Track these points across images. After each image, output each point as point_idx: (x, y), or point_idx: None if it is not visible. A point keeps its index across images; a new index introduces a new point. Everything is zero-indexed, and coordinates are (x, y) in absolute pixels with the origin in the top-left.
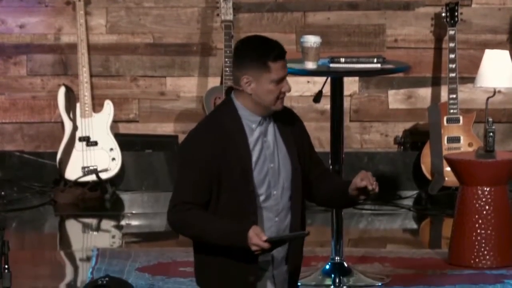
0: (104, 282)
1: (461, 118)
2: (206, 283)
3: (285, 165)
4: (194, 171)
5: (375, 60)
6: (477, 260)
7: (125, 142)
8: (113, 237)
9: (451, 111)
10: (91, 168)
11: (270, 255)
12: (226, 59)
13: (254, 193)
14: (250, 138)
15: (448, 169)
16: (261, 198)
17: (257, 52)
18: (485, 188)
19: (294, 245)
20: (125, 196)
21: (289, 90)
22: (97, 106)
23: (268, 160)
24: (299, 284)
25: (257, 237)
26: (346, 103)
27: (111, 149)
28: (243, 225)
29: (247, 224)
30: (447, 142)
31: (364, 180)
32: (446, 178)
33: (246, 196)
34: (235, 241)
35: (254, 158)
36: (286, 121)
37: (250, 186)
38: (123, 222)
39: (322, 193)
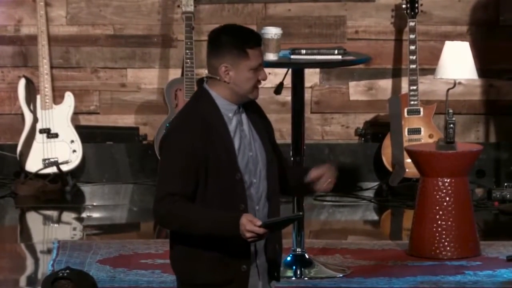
0: (65, 274)
1: (421, 109)
2: (192, 276)
3: (261, 154)
4: (180, 160)
5: (336, 52)
6: (437, 251)
7: (86, 134)
8: (74, 229)
9: (412, 102)
10: (51, 160)
11: (253, 244)
12: (187, 51)
13: (242, 181)
14: (230, 126)
15: (409, 160)
16: (245, 186)
17: (235, 39)
18: (446, 180)
19: (271, 234)
20: (86, 188)
21: (266, 78)
22: (57, 98)
23: (247, 149)
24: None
25: (251, 223)
26: (307, 95)
27: (72, 141)
28: (234, 213)
29: (238, 212)
30: (408, 134)
31: (321, 176)
32: (407, 170)
33: (234, 184)
34: (227, 230)
35: (236, 146)
36: (256, 113)
37: (237, 174)
38: (84, 214)
39: (288, 181)
